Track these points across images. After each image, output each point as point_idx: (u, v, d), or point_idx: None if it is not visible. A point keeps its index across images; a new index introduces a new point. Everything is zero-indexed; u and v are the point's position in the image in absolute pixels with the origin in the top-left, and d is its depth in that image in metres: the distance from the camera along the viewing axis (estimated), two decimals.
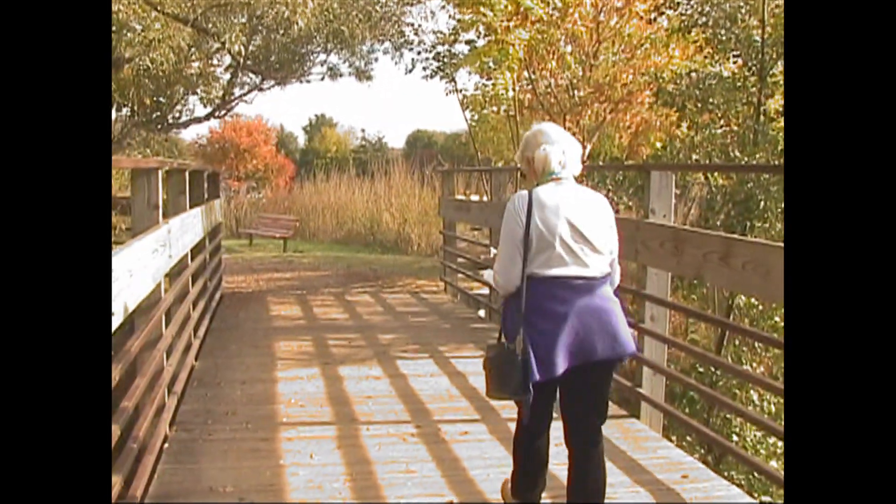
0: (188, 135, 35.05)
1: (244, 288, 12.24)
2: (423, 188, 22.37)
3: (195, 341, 6.74)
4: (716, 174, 10.72)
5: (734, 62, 11.37)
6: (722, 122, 11.16)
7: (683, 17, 11.85)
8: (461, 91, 15.64)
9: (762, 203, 9.19)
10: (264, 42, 17.66)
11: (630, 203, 12.59)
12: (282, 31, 16.17)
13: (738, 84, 10.95)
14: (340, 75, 19.11)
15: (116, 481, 3.37)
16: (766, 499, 7.06)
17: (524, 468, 3.70)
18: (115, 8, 12.89)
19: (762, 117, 10.60)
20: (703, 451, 7.89)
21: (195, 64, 17.43)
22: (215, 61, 18.21)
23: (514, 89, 11.94)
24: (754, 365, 9.57)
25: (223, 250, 10.86)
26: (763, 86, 10.57)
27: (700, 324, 11.78)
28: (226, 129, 29.96)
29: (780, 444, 7.38)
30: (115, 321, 3.48)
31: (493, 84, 11.91)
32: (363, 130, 51.51)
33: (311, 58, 18.92)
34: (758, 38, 10.65)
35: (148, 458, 4.12)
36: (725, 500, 4.13)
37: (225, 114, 21.33)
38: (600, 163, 13.04)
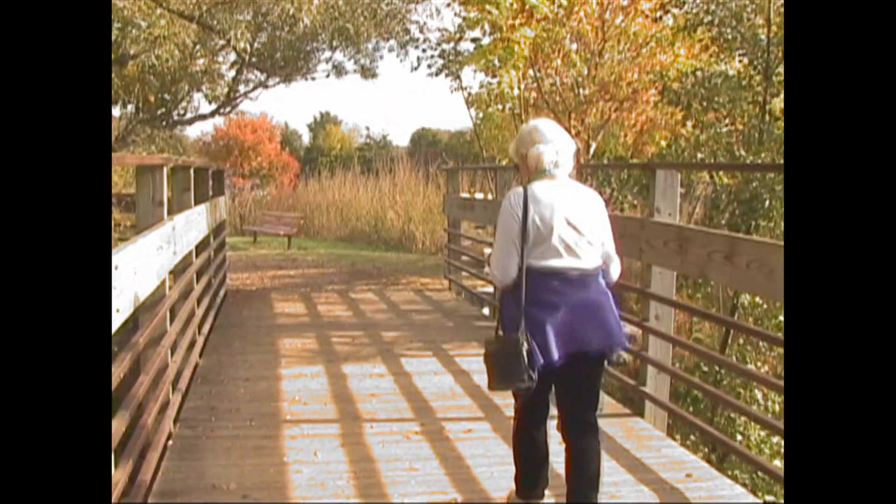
0: (193, 132, 35.12)
1: (248, 285, 12.24)
2: (427, 186, 22.37)
3: (199, 338, 6.75)
4: (721, 173, 10.70)
5: (739, 61, 11.35)
6: (727, 120, 11.14)
7: (689, 16, 11.83)
8: (466, 89, 15.68)
9: (767, 202, 9.18)
10: (269, 39, 17.64)
11: (635, 202, 12.58)
12: (287, 29, 16.15)
13: (744, 83, 10.93)
14: (345, 73, 19.08)
15: (120, 477, 3.37)
16: (770, 498, 7.05)
17: (525, 464, 3.76)
18: (120, 5, 12.90)
19: (767, 116, 10.58)
20: (706, 450, 7.87)
21: (200, 61, 17.43)
22: (220, 58, 18.19)
23: (519, 87, 11.92)
24: (758, 364, 9.55)
25: (227, 247, 10.87)
26: (768, 85, 10.55)
27: (704, 323, 11.77)
28: (230, 126, 29.96)
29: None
30: (120, 318, 3.49)
31: (499, 82, 11.89)
32: (368, 128, 51.42)
33: (316, 55, 18.89)
34: (763, 37, 10.63)
35: (152, 455, 4.12)
36: (729, 500, 4.13)
37: (230, 111, 21.32)
38: (605, 161, 13.02)
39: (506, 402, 4.91)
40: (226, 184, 11.46)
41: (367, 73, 18.75)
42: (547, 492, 3.81)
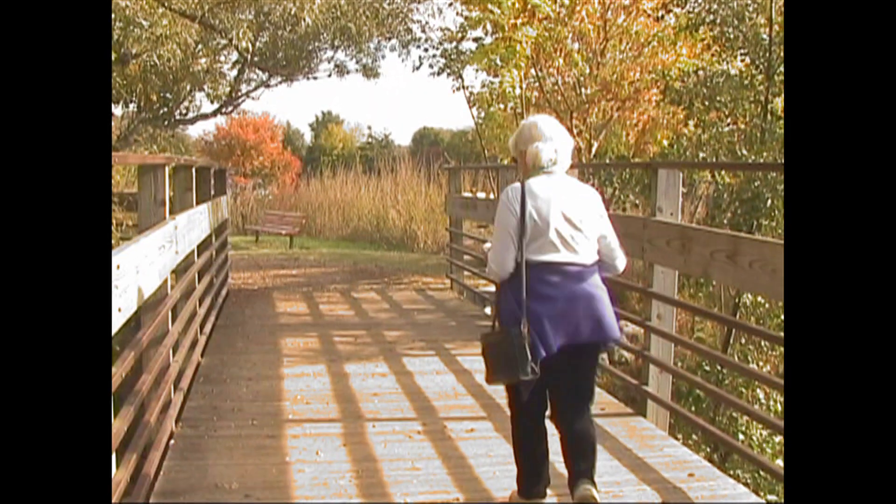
0: (195, 131, 34.97)
1: (250, 284, 12.25)
2: (429, 185, 22.34)
3: (201, 338, 6.76)
4: (723, 172, 10.69)
5: (741, 60, 11.35)
6: (729, 120, 11.15)
7: (691, 15, 11.84)
8: (468, 88, 15.66)
9: (769, 201, 9.17)
10: (271, 39, 17.63)
11: (637, 201, 12.57)
12: (289, 28, 16.13)
13: (746, 82, 10.94)
14: (347, 72, 19.06)
15: (122, 477, 3.37)
16: (773, 497, 7.04)
17: (526, 461, 3.78)
18: (122, 4, 12.90)
19: (769, 115, 10.58)
20: (709, 449, 7.87)
21: (202, 60, 17.40)
22: (222, 58, 18.16)
23: (521, 87, 11.91)
24: (761, 363, 9.55)
25: (229, 247, 10.87)
26: (770, 84, 10.54)
27: (706, 322, 11.76)
28: (232, 125, 29.95)
29: None
30: (122, 318, 3.49)
31: (500, 81, 11.88)
32: (370, 127, 51.26)
33: (319, 55, 18.87)
34: (765, 37, 10.63)
35: (154, 455, 4.13)
36: (731, 499, 4.12)
37: (232, 110, 21.30)
38: (607, 161, 13.02)
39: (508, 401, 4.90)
40: (228, 183, 11.47)
41: (369, 72, 18.74)
42: (549, 490, 3.81)
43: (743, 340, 9.91)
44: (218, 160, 22.82)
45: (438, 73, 16.22)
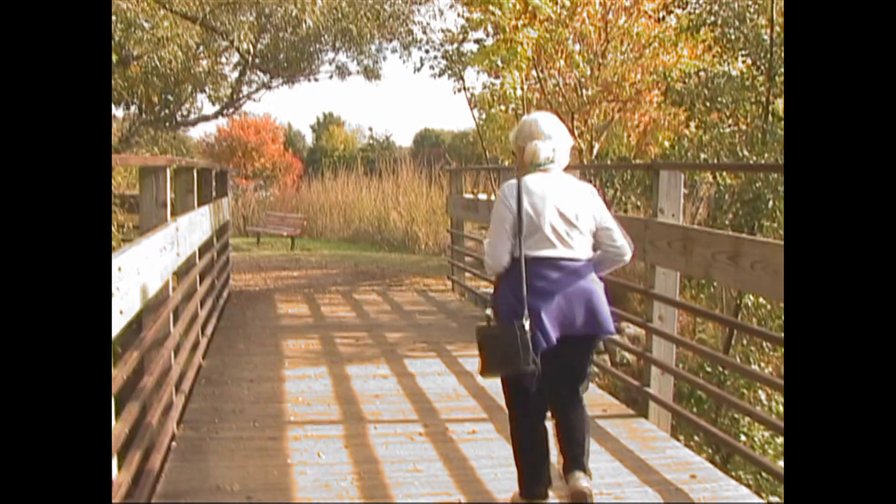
0: (196, 133, 35.07)
1: (252, 286, 12.24)
2: (430, 187, 22.32)
3: (203, 339, 6.76)
4: (724, 173, 10.67)
5: (743, 61, 11.31)
6: (730, 121, 11.11)
7: (692, 17, 11.79)
8: (469, 90, 15.65)
9: (771, 202, 9.14)
10: (273, 40, 17.65)
11: (638, 202, 12.56)
12: (290, 30, 16.16)
13: (747, 83, 10.90)
14: (349, 74, 19.07)
15: (124, 479, 3.37)
16: (775, 499, 7.02)
17: (525, 460, 3.79)
18: (123, 6, 12.91)
19: (770, 117, 10.55)
20: (711, 450, 7.86)
21: (203, 62, 17.43)
22: (224, 59, 18.19)
23: (522, 88, 11.91)
24: (762, 365, 9.53)
25: (231, 248, 10.87)
26: (772, 85, 10.51)
27: (708, 323, 11.75)
28: (234, 127, 29.96)
29: None
30: (123, 319, 3.48)
31: (502, 83, 11.88)
32: (371, 129, 51.25)
33: (320, 56, 18.89)
34: (767, 38, 10.60)
35: (155, 457, 4.13)
36: (733, 501, 4.12)
37: (233, 112, 21.31)
38: (608, 162, 13.01)
39: None
40: (229, 185, 11.47)
41: (371, 74, 18.75)
42: (550, 492, 3.80)
43: (744, 342, 9.89)
44: (219, 162, 22.87)
45: (440, 75, 16.20)
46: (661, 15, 12.29)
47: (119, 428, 3.32)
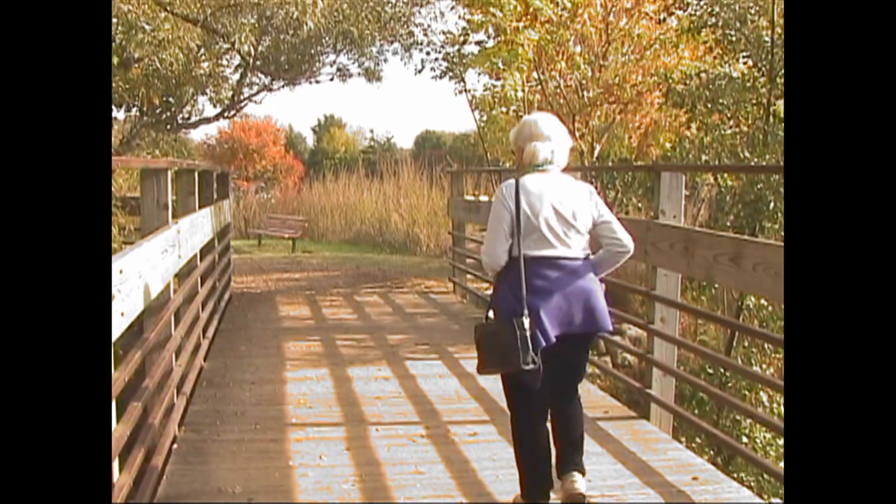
0: (197, 135, 35.02)
1: (253, 288, 12.24)
2: (431, 189, 22.33)
3: (204, 342, 6.75)
4: (725, 175, 10.67)
5: (744, 63, 11.31)
6: (731, 122, 11.11)
7: (693, 18, 11.79)
8: (470, 92, 15.65)
9: (772, 204, 9.13)
10: (274, 43, 17.68)
11: (640, 204, 12.56)
12: (291, 32, 16.18)
13: (748, 85, 10.89)
14: (350, 76, 19.11)
15: (125, 481, 3.37)
16: (777, 500, 7.02)
17: (527, 462, 3.79)
18: (124, 8, 12.92)
19: (772, 118, 10.54)
20: (712, 452, 7.86)
21: (205, 64, 17.43)
22: (225, 62, 18.20)
23: (523, 90, 11.90)
24: (764, 366, 9.52)
25: (232, 250, 10.87)
26: (773, 86, 10.51)
27: (710, 325, 11.75)
28: (235, 129, 30.02)
29: None
30: (125, 322, 3.48)
31: (503, 85, 11.87)
32: (372, 131, 51.36)
33: (321, 58, 18.93)
34: (767, 39, 10.59)
35: (157, 459, 4.12)
36: (735, 502, 4.11)
37: (234, 114, 21.35)
38: (610, 163, 13.00)
39: None
40: (230, 187, 11.47)
41: (372, 76, 18.78)
42: (552, 494, 3.80)
43: (746, 343, 9.88)
44: (220, 164, 22.84)
45: (441, 77, 16.20)
46: (662, 16, 12.29)
47: (121, 429, 3.32)
